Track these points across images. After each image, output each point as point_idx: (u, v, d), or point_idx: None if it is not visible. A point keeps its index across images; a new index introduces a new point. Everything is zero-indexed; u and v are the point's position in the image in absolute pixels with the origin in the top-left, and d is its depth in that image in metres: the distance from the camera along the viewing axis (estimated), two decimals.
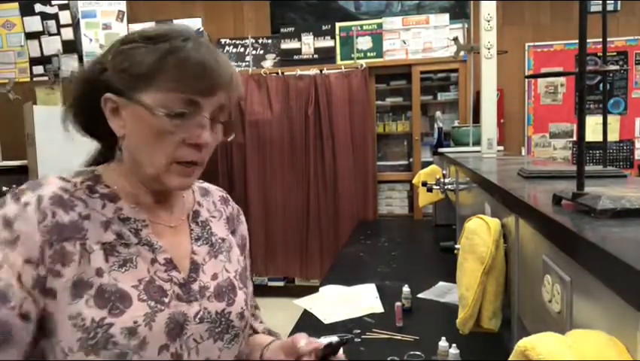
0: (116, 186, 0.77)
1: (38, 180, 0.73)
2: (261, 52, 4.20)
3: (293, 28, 4.11)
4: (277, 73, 3.95)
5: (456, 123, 3.57)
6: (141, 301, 0.70)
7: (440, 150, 3.03)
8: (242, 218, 0.97)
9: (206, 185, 0.94)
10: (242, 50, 4.25)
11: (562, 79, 4.00)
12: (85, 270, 0.69)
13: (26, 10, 4.42)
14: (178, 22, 4.02)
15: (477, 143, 2.51)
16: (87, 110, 0.77)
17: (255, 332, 0.95)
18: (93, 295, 0.68)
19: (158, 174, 0.73)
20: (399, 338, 1.46)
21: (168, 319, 0.72)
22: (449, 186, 2.36)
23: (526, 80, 4.04)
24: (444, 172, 2.66)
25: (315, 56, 4.05)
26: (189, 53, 0.71)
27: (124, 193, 0.77)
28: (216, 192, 0.94)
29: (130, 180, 0.77)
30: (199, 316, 0.76)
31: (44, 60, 4.45)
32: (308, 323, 1.62)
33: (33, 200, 0.69)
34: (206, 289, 0.79)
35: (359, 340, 1.46)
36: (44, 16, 4.41)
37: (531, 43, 4.02)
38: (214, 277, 0.82)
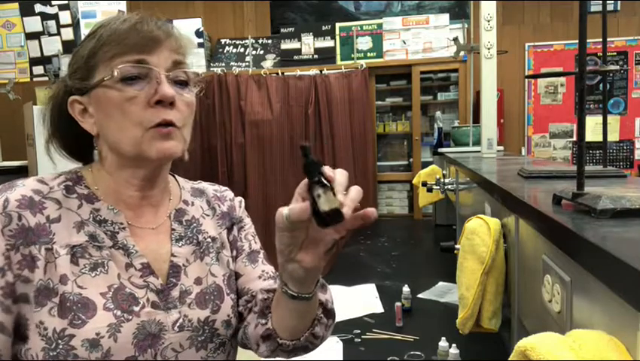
0: (97, 187, 0.75)
1: (14, 182, 0.72)
2: (261, 52, 4.20)
3: (293, 29, 4.11)
4: (277, 73, 3.95)
5: (456, 123, 3.57)
6: (107, 311, 0.67)
7: (440, 150, 3.03)
8: (242, 205, 0.92)
9: (202, 185, 0.91)
10: (242, 50, 4.25)
11: (562, 79, 4.00)
12: (51, 276, 0.67)
13: (26, 10, 4.42)
14: (178, 22, 4.01)
15: (477, 143, 2.51)
16: (66, 132, 0.77)
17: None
18: (57, 304, 0.66)
19: (138, 149, 0.70)
20: (399, 338, 1.46)
21: (136, 329, 0.69)
22: (449, 186, 2.36)
23: (526, 80, 4.04)
24: (444, 172, 2.66)
25: (315, 56, 4.05)
26: (119, 24, 0.71)
27: (106, 194, 0.75)
28: (211, 190, 0.90)
29: (115, 178, 0.75)
30: (178, 324, 0.73)
31: (44, 60, 4.46)
32: None
33: None
34: (188, 294, 0.76)
35: (359, 340, 1.46)
36: (44, 17, 4.41)
37: (531, 44, 4.03)
38: (198, 281, 0.78)
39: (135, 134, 0.70)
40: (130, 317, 0.69)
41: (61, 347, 0.65)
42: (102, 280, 0.69)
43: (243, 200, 0.94)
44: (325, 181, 0.57)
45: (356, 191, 0.60)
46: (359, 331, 1.51)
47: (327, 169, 0.58)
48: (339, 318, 1.63)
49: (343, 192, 0.58)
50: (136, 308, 0.70)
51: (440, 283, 1.93)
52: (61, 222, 0.70)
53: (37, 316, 0.66)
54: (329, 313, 0.80)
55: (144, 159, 0.71)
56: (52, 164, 0.82)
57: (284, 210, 0.60)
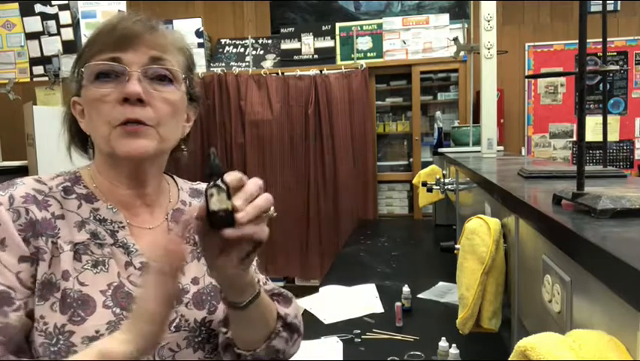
0: (95, 185, 0.76)
1: (13, 180, 0.72)
2: (261, 52, 4.20)
3: (293, 29, 4.11)
4: (277, 73, 3.95)
5: (456, 123, 3.57)
6: (106, 308, 0.67)
7: (440, 150, 3.03)
8: None
9: (201, 187, 0.91)
10: (242, 50, 4.25)
11: (562, 79, 4.00)
12: (54, 271, 0.67)
13: (26, 10, 4.42)
14: (178, 22, 4.02)
15: (477, 143, 2.51)
16: (78, 129, 0.79)
17: None
18: (59, 299, 0.66)
19: (108, 147, 0.70)
20: (399, 338, 1.46)
21: None
22: (449, 186, 2.36)
23: (526, 80, 4.04)
24: (444, 172, 2.66)
25: (315, 56, 4.05)
26: (103, 24, 0.72)
27: (103, 192, 0.75)
28: None
29: (106, 175, 0.76)
30: (174, 324, 0.73)
31: (44, 60, 4.45)
32: (308, 323, 1.62)
33: (4, 200, 0.67)
34: (185, 293, 0.76)
35: (359, 340, 1.46)
36: (44, 17, 4.40)
37: (531, 44, 4.02)
38: (195, 281, 0.78)
39: (104, 133, 0.70)
40: (129, 315, 0.68)
41: (61, 342, 0.65)
42: (102, 278, 0.70)
43: None
44: (222, 184, 0.57)
45: (263, 199, 0.59)
46: (359, 331, 1.51)
47: (233, 173, 0.58)
48: (339, 318, 1.64)
49: (247, 197, 0.58)
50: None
51: (440, 283, 1.93)
52: (64, 220, 0.71)
53: (39, 309, 0.66)
54: (290, 327, 0.79)
55: (117, 157, 0.71)
56: (51, 160, 0.83)
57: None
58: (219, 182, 0.56)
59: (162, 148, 0.73)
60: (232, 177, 0.58)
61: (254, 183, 0.60)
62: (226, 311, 0.78)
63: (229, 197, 0.56)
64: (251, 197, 0.58)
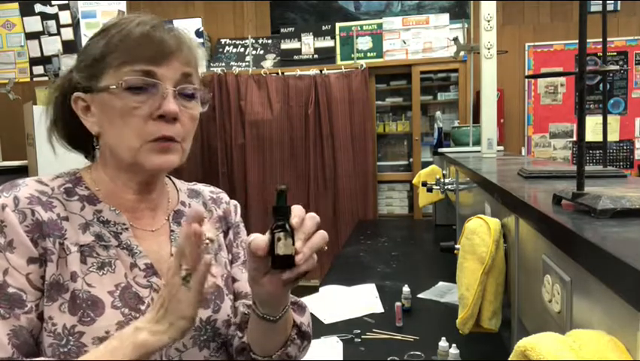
0: (97, 188, 0.76)
1: (15, 181, 0.72)
2: (261, 52, 4.20)
3: (293, 29, 4.11)
4: (277, 73, 3.95)
5: (456, 123, 3.57)
6: (115, 309, 0.68)
7: (440, 150, 3.03)
8: (238, 210, 0.93)
9: (198, 187, 0.91)
10: (242, 50, 4.25)
11: (562, 79, 4.00)
12: (62, 272, 0.67)
13: (26, 10, 4.42)
14: (178, 22, 4.02)
15: (477, 143, 2.51)
16: (68, 121, 0.78)
17: None
18: (68, 300, 0.66)
19: (134, 158, 0.71)
20: (399, 338, 1.46)
21: None
22: (449, 186, 2.36)
23: (526, 80, 4.04)
24: (444, 172, 2.66)
25: (315, 56, 4.05)
26: (132, 28, 0.71)
27: (105, 194, 0.75)
28: (207, 192, 0.91)
29: (113, 178, 0.76)
30: None
31: (44, 60, 4.45)
32: None
33: (9, 201, 0.67)
34: None
35: (359, 340, 1.46)
36: (44, 16, 4.40)
37: (531, 44, 4.02)
38: None
39: (133, 145, 0.70)
40: (137, 315, 0.69)
41: (72, 343, 0.65)
42: (109, 279, 0.70)
43: (239, 205, 0.95)
44: (288, 227, 0.60)
45: (320, 237, 0.62)
46: (359, 331, 1.51)
47: (296, 213, 0.61)
48: (339, 318, 1.64)
49: (305, 237, 0.61)
50: (142, 307, 0.71)
51: (440, 283, 1.93)
52: (69, 222, 0.71)
53: (47, 310, 0.66)
54: (304, 335, 0.81)
55: (139, 168, 0.72)
56: (51, 160, 0.82)
57: (249, 237, 0.63)
58: (286, 225, 0.60)
59: (182, 160, 0.75)
60: (296, 219, 0.61)
61: (311, 220, 0.62)
62: (236, 314, 0.80)
63: (293, 241, 0.60)
64: (309, 235, 0.61)
